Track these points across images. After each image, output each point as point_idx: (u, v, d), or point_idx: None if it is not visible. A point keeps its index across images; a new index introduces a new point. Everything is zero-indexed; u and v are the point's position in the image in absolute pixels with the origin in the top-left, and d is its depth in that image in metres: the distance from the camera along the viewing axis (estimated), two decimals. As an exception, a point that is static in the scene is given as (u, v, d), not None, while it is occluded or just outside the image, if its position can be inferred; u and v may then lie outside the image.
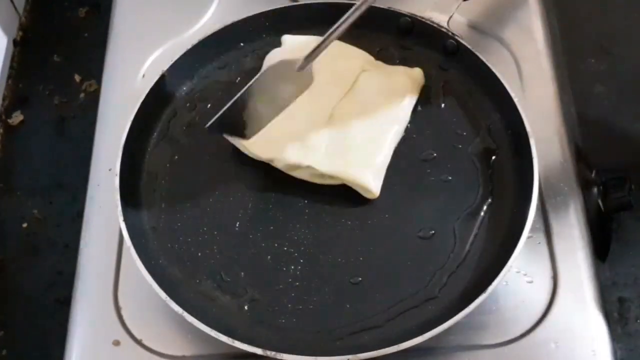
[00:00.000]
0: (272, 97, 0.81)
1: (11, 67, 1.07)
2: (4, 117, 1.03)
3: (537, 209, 0.80)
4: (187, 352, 0.77)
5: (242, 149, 0.84)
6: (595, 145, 0.88)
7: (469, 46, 0.89)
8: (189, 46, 0.90)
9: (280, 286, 0.78)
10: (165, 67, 0.88)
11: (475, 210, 0.82)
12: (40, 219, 0.96)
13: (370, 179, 0.81)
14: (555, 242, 0.82)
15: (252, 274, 0.79)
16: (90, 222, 0.85)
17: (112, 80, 0.95)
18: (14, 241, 0.94)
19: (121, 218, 0.78)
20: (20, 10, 1.12)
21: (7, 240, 0.94)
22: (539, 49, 0.94)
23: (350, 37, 0.93)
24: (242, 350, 0.71)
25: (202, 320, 0.72)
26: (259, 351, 0.71)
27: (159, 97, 0.88)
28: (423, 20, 0.90)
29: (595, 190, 0.86)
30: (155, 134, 0.88)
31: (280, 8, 0.93)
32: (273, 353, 0.71)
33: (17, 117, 1.04)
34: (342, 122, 0.84)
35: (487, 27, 0.95)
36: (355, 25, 0.93)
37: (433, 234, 0.80)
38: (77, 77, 1.07)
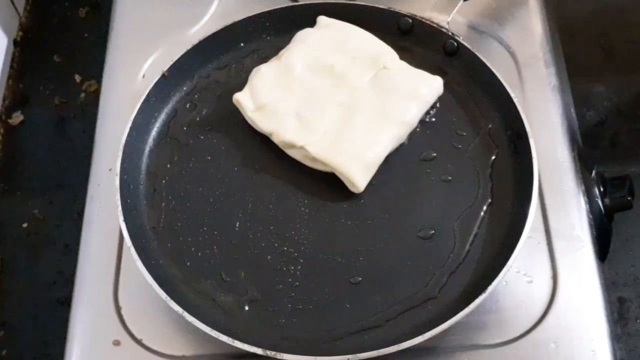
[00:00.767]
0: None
1: (11, 67, 1.07)
2: (4, 117, 1.04)
3: (537, 208, 0.80)
4: (187, 352, 0.77)
5: (246, 118, 0.85)
6: (595, 145, 0.88)
7: (468, 46, 0.89)
8: (189, 46, 0.90)
9: (280, 286, 0.78)
10: (166, 67, 0.88)
11: (475, 210, 0.82)
12: (40, 219, 0.96)
13: (356, 171, 0.81)
14: (555, 242, 0.82)
15: (252, 274, 0.79)
16: (90, 222, 0.85)
17: (112, 80, 0.95)
18: (14, 241, 0.94)
19: (121, 218, 0.78)
20: (21, 10, 1.12)
21: (7, 240, 0.94)
22: (538, 49, 0.94)
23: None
24: (242, 350, 0.71)
25: (202, 320, 0.72)
26: (259, 351, 0.71)
27: (159, 97, 0.88)
28: (423, 20, 0.90)
29: (595, 190, 0.86)
30: (155, 134, 0.88)
31: (281, 8, 0.93)
32: (273, 353, 0.71)
33: (17, 117, 1.04)
34: (348, 112, 0.84)
35: (487, 27, 0.95)
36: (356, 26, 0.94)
37: (433, 233, 0.80)
38: (77, 77, 1.07)
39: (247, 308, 0.77)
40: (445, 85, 0.90)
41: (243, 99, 0.85)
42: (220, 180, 0.85)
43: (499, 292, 0.78)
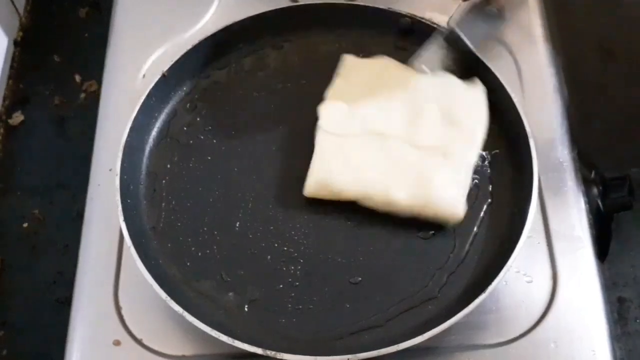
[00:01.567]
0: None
1: (11, 68, 1.07)
2: (4, 117, 1.04)
3: (537, 209, 0.80)
4: (187, 352, 0.77)
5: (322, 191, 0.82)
6: (595, 145, 0.88)
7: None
8: (189, 46, 0.90)
9: (280, 286, 0.78)
10: (166, 67, 0.88)
11: (475, 210, 0.82)
12: (41, 219, 0.96)
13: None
14: (554, 242, 0.82)
15: (252, 274, 0.79)
16: (90, 222, 0.85)
17: (112, 80, 0.94)
18: (14, 241, 0.94)
19: (121, 218, 0.78)
20: (21, 10, 1.12)
21: (7, 240, 0.94)
22: (538, 49, 0.94)
23: (351, 38, 0.93)
24: (242, 350, 0.71)
25: (202, 320, 0.72)
26: (259, 351, 0.71)
27: (159, 97, 0.88)
28: (423, 20, 0.90)
29: (595, 190, 0.86)
30: (155, 134, 0.88)
31: (280, 9, 0.93)
32: (273, 353, 0.71)
33: (17, 117, 1.04)
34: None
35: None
36: (355, 26, 0.94)
37: (433, 234, 0.80)
38: (77, 77, 1.07)
39: (247, 308, 0.77)
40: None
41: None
42: (220, 180, 0.85)
43: (499, 292, 0.77)
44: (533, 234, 0.81)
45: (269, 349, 0.71)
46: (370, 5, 0.92)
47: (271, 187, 0.84)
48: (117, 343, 0.77)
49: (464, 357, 0.76)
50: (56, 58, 1.09)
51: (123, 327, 0.78)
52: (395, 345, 0.71)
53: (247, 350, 0.71)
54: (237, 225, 0.81)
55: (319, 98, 0.86)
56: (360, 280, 0.78)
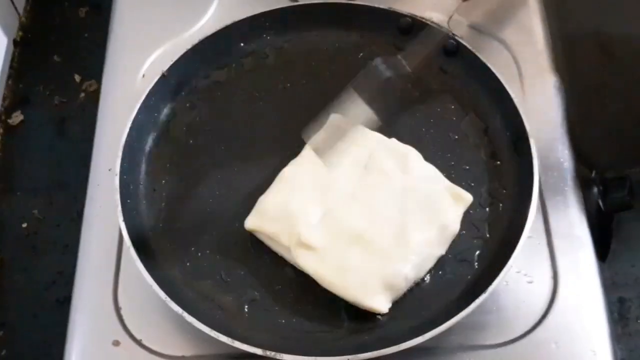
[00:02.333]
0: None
1: (11, 67, 1.07)
2: (4, 117, 1.03)
3: (537, 208, 0.80)
4: (186, 353, 0.76)
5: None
6: (595, 145, 0.88)
7: (469, 46, 0.89)
8: (189, 46, 0.90)
9: (280, 286, 0.78)
10: (166, 67, 0.88)
11: (475, 210, 0.81)
12: (40, 219, 0.95)
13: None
14: (555, 242, 0.81)
15: (252, 274, 0.79)
16: (90, 222, 0.84)
17: (112, 80, 0.94)
18: (14, 241, 0.94)
19: (121, 218, 0.78)
20: (21, 10, 1.11)
21: (7, 240, 0.94)
22: (539, 49, 0.94)
23: (351, 38, 0.93)
24: (242, 350, 0.71)
25: (201, 320, 0.72)
26: (258, 351, 0.71)
27: (159, 97, 0.88)
28: (423, 20, 0.90)
29: (595, 190, 0.86)
30: (155, 134, 0.88)
31: (281, 8, 0.93)
32: (273, 353, 0.71)
33: (17, 117, 1.04)
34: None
35: (487, 27, 0.95)
36: (356, 26, 0.94)
37: (433, 233, 0.80)
38: (77, 77, 1.07)
39: (246, 308, 0.77)
40: (446, 85, 0.90)
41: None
42: (220, 180, 0.85)
43: (499, 292, 0.77)
44: (533, 234, 0.81)
45: (269, 349, 0.71)
46: (370, 5, 0.92)
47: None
48: (116, 343, 0.77)
49: (465, 358, 0.76)
50: (56, 58, 1.08)
51: (122, 327, 0.78)
52: (396, 346, 0.70)
53: (246, 351, 0.71)
54: (237, 225, 0.81)
55: (319, 98, 0.86)
56: (360, 281, 0.78)
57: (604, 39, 0.93)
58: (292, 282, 0.78)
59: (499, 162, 0.85)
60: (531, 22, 0.96)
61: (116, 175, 0.81)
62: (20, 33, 1.10)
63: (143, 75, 0.93)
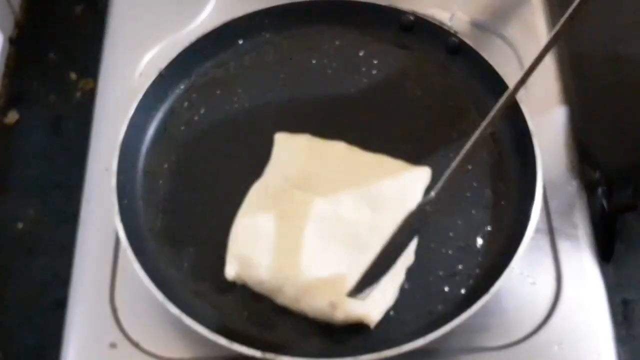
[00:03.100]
0: None
1: (6, 66, 1.06)
2: (-1, 115, 1.03)
3: (541, 209, 0.79)
4: (184, 355, 0.76)
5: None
6: (599, 145, 0.88)
7: (471, 44, 0.88)
8: (187, 44, 0.89)
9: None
10: (163, 65, 0.88)
11: (477, 211, 0.81)
12: (36, 220, 0.95)
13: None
14: (558, 243, 0.81)
15: (251, 275, 0.78)
16: (86, 223, 0.84)
17: (108, 78, 0.94)
18: (9, 242, 0.93)
19: (118, 219, 0.78)
20: (16, 8, 1.11)
21: (2, 241, 0.93)
22: (542, 46, 0.93)
23: (352, 35, 0.93)
24: (240, 352, 0.70)
25: (200, 322, 0.72)
26: (257, 354, 0.70)
27: (156, 96, 0.88)
28: (425, 17, 0.90)
29: (599, 190, 0.85)
30: (152, 133, 0.88)
31: (279, 5, 0.93)
32: (272, 355, 0.70)
33: (12, 116, 1.03)
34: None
35: (489, 24, 0.95)
36: (357, 23, 0.93)
37: (435, 234, 0.80)
38: (73, 76, 1.06)
39: (245, 310, 0.76)
40: (447, 84, 0.89)
41: None
42: (218, 180, 0.84)
43: (502, 294, 0.77)
44: (536, 235, 0.80)
45: (268, 352, 0.70)
46: (371, 2, 0.92)
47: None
48: (113, 345, 0.76)
49: (467, 360, 0.75)
50: (52, 56, 1.08)
51: (119, 329, 0.77)
52: (397, 348, 0.70)
53: (245, 353, 0.70)
54: (236, 225, 0.81)
55: (319, 97, 0.85)
56: (361, 282, 0.77)
57: (609, 36, 0.93)
58: (292, 284, 0.77)
59: (501, 162, 0.84)
60: (534, 18, 0.96)
61: (113, 175, 0.80)
62: (16, 31, 1.10)
63: (140, 74, 0.93)
